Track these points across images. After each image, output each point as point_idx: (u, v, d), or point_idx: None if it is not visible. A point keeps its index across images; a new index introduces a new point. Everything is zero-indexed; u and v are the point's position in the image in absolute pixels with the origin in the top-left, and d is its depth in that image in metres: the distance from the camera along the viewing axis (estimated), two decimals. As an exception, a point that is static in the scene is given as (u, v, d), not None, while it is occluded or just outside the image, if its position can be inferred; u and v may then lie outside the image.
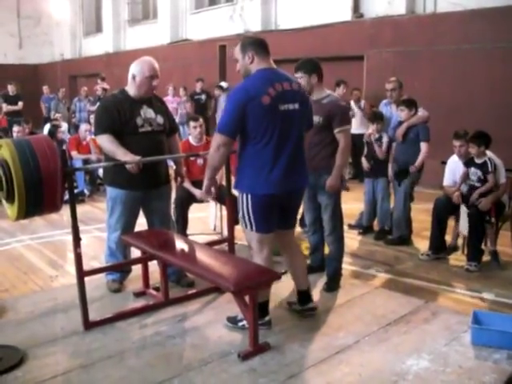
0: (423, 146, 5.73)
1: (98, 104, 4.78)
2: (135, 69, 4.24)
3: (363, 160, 6.32)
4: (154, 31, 16.23)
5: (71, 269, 4.76)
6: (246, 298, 3.38)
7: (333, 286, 4.55)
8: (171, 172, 4.67)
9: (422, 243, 5.78)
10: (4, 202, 3.54)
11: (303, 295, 4.02)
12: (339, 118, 4.30)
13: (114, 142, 4.15)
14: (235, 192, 3.75)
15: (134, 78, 4.24)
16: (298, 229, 5.59)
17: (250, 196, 3.53)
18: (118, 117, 4.18)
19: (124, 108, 4.22)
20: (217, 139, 3.43)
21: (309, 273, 4.20)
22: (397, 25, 9.56)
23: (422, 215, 6.28)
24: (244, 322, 3.67)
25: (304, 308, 4.01)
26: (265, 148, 3.44)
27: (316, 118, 4.08)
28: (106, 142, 4.18)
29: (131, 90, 4.29)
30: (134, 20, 17.95)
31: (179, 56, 14.77)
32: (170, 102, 12.78)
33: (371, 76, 9.88)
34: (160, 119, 4.36)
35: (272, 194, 3.51)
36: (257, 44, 3.55)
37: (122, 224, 4.43)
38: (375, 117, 6.32)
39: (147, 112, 4.30)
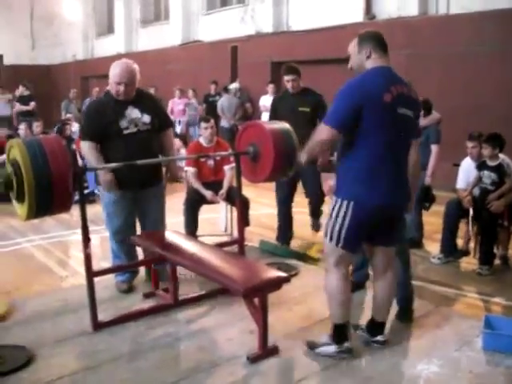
0: (434, 148, 5.69)
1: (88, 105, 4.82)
2: (110, 70, 4.27)
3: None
4: (166, 32, 16.26)
5: (81, 269, 4.76)
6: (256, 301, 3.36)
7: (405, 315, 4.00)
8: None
9: (433, 246, 5.73)
10: (14, 201, 3.54)
11: (377, 326, 3.56)
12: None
13: (92, 150, 4.23)
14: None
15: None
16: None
17: (351, 205, 3.15)
18: (100, 121, 4.20)
19: (107, 111, 4.23)
20: (324, 132, 3.13)
21: (352, 291, 3.59)
22: (409, 26, 9.51)
23: (433, 218, 6.23)
24: (323, 348, 3.39)
25: (373, 340, 3.55)
26: (376, 151, 3.12)
27: None
28: (85, 148, 4.28)
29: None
30: (145, 21, 18.00)
31: (190, 57, 14.78)
32: (177, 103, 12.80)
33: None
34: (146, 118, 4.32)
35: (379, 205, 3.16)
36: (376, 39, 3.26)
37: (116, 225, 4.43)
38: None
39: (132, 112, 4.27)
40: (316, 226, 5.90)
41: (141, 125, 4.30)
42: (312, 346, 3.45)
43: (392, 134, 3.13)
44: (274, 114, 5.52)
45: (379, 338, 3.54)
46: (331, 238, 3.25)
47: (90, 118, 4.35)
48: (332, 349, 3.36)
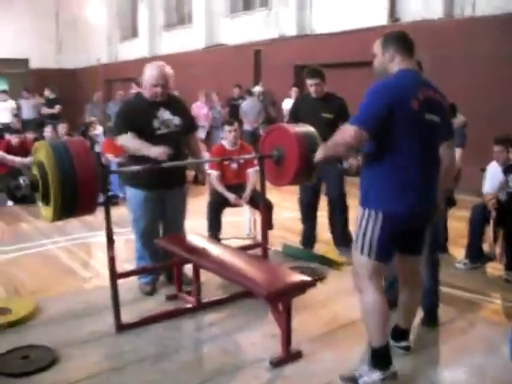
0: (458, 151, 5.59)
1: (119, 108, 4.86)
2: (144, 74, 4.33)
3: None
4: (189, 36, 16.34)
5: (104, 271, 4.79)
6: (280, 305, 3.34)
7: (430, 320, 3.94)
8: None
9: (458, 251, 5.65)
10: (40, 203, 3.57)
11: (402, 333, 3.48)
12: None
13: (135, 138, 4.19)
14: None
15: (143, 82, 4.35)
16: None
17: (380, 215, 2.99)
18: (135, 120, 4.24)
19: (140, 112, 4.29)
20: (350, 132, 2.92)
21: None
22: (433, 28, 9.42)
23: (458, 223, 6.14)
24: (365, 378, 3.09)
25: (397, 345, 3.46)
26: (404, 158, 2.97)
27: None
28: (127, 140, 4.22)
29: (145, 92, 4.36)
30: (169, 25, 18.10)
31: (214, 60, 14.82)
32: (200, 107, 12.82)
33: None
34: (177, 120, 4.39)
35: (409, 216, 3.03)
36: (401, 40, 3.11)
37: (143, 226, 4.46)
38: None
39: (164, 114, 4.34)
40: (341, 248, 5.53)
41: (172, 126, 4.36)
42: (352, 380, 3.14)
43: (420, 142, 2.98)
44: (295, 117, 5.40)
45: (403, 343, 3.47)
46: (362, 250, 3.05)
47: (125, 116, 4.34)
48: (376, 376, 3.04)
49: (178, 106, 4.51)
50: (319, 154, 3.35)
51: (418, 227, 3.20)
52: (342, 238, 5.56)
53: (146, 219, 4.44)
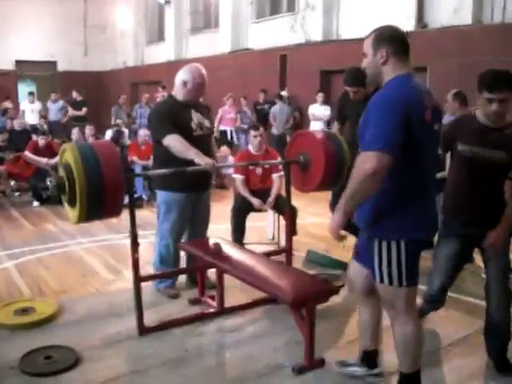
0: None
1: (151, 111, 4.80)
2: (186, 75, 4.31)
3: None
4: (216, 40, 16.38)
5: (128, 273, 4.80)
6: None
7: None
8: None
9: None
10: (66, 205, 3.59)
11: (373, 357, 3.27)
12: None
13: (183, 140, 4.09)
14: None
15: (185, 84, 4.30)
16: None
17: (403, 244, 2.68)
18: (174, 121, 4.21)
19: (177, 113, 4.27)
20: (373, 160, 2.46)
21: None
22: (462, 35, 9.31)
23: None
24: (354, 369, 3.23)
25: (371, 373, 3.26)
26: (418, 177, 2.67)
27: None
28: (175, 141, 4.09)
29: (180, 95, 4.35)
30: (195, 29, 18.18)
31: (240, 65, 14.84)
32: (227, 112, 12.82)
33: (434, 88, 9.64)
34: (207, 123, 4.44)
35: (429, 238, 2.82)
36: (396, 40, 2.72)
37: (176, 230, 4.46)
38: None
39: (197, 116, 4.36)
40: None
41: (205, 129, 4.39)
42: (342, 365, 3.23)
43: (430, 154, 2.72)
44: (341, 120, 5.19)
45: (376, 370, 3.26)
46: (392, 281, 2.74)
47: (168, 117, 4.23)
48: None
49: (203, 110, 4.55)
50: (347, 207, 2.66)
51: None
52: None
53: (181, 223, 4.44)
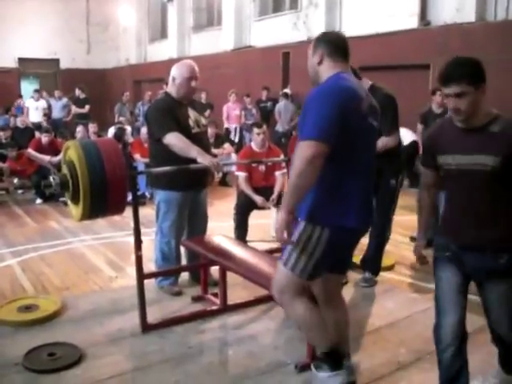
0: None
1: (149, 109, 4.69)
2: (174, 71, 4.32)
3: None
4: (218, 37, 16.39)
5: (130, 270, 4.82)
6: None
7: None
8: None
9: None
10: (69, 202, 3.60)
11: (341, 354, 3.04)
12: None
13: (184, 138, 4.07)
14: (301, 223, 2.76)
15: (174, 79, 4.30)
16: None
17: (326, 231, 2.69)
18: (173, 118, 4.19)
19: (175, 110, 4.25)
20: (309, 148, 2.53)
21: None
22: (465, 32, 9.30)
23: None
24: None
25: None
26: (349, 168, 2.73)
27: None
28: (176, 139, 4.05)
29: (173, 92, 4.35)
30: (198, 26, 18.19)
31: (242, 62, 14.85)
32: (232, 108, 12.82)
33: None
34: (203, 120, 4.47)
35: (357, 229, 2.83)
36: (331, 42, 2.87)
37: (176, 228, 4.46)
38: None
39: (193, 113, 4.37)
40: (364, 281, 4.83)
41: (201, 126, 4.41)
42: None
43: (363, 148, 2.77)
44: None
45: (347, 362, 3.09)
46: (293, 269, 2.77)
47: (165, 114, 4.20)
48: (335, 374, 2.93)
49: (197, 107, 4.57)
50: (288, 203, 2.59)
51: (355, 244, 2.99)
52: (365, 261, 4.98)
53: (181, 221, 4.45)
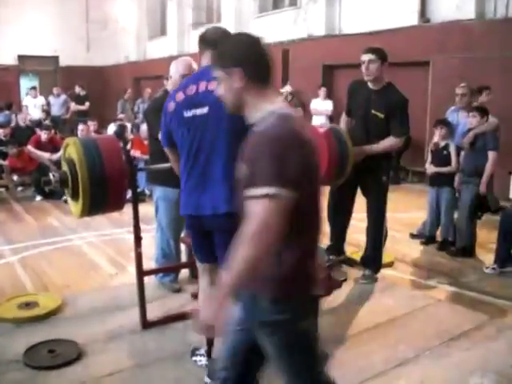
0: (491, 155, 5.52)
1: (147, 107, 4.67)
2: (171, 68, 4.31)
3: (427, 167, 6.16)
4: (218, 35, 16.36)
5: (130, 267, 4.83)
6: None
7: None
8: None
9: (486, 256, 5.56)
10: (69, 199, 3.60)
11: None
12: None
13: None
14: None
15: (171, 77, 4.32)
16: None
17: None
18: None
19: None
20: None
21: None
22: (465, 30, 9.29)
23: (487, 227, 6.06)
24: (199, 358, 3.36)
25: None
26: (187, 160, 2.92)
27: None
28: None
29: (170, 89, 4.33)
30: (197, 23, 18.16)
31: (241, 59, 14.82)
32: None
33: (437, 82, 9.64)
34: None
35: (188, 215, 3.02)
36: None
37: (175, 225, 4.46)
38: (440, 122, 6.16)
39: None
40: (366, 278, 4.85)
41: None
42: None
43: (182, 139, 2.90)
44: (347, 113, 5.04)
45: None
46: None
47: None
48: None
49: None
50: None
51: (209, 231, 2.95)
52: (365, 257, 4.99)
53: (180, 218, 4.40)
